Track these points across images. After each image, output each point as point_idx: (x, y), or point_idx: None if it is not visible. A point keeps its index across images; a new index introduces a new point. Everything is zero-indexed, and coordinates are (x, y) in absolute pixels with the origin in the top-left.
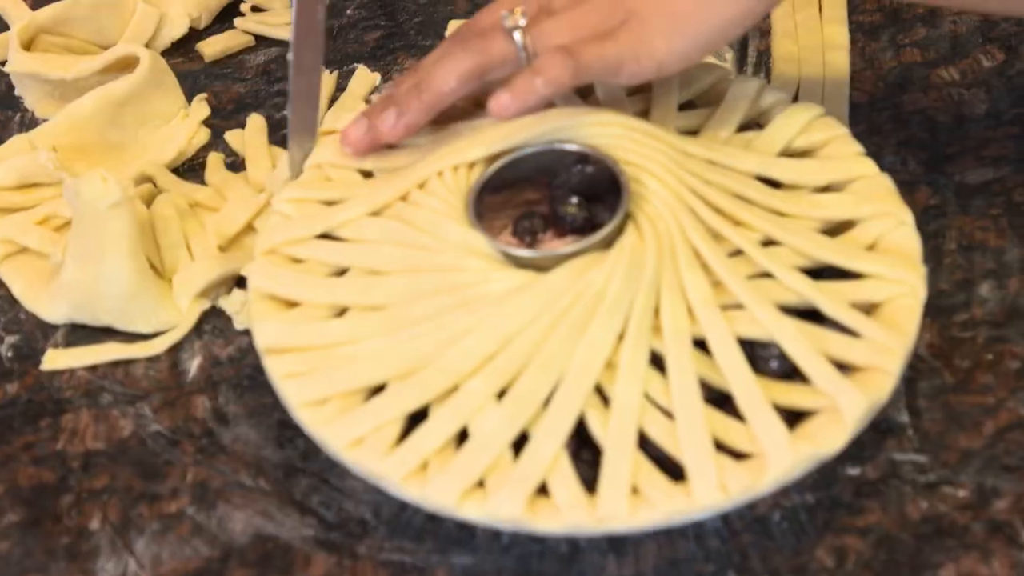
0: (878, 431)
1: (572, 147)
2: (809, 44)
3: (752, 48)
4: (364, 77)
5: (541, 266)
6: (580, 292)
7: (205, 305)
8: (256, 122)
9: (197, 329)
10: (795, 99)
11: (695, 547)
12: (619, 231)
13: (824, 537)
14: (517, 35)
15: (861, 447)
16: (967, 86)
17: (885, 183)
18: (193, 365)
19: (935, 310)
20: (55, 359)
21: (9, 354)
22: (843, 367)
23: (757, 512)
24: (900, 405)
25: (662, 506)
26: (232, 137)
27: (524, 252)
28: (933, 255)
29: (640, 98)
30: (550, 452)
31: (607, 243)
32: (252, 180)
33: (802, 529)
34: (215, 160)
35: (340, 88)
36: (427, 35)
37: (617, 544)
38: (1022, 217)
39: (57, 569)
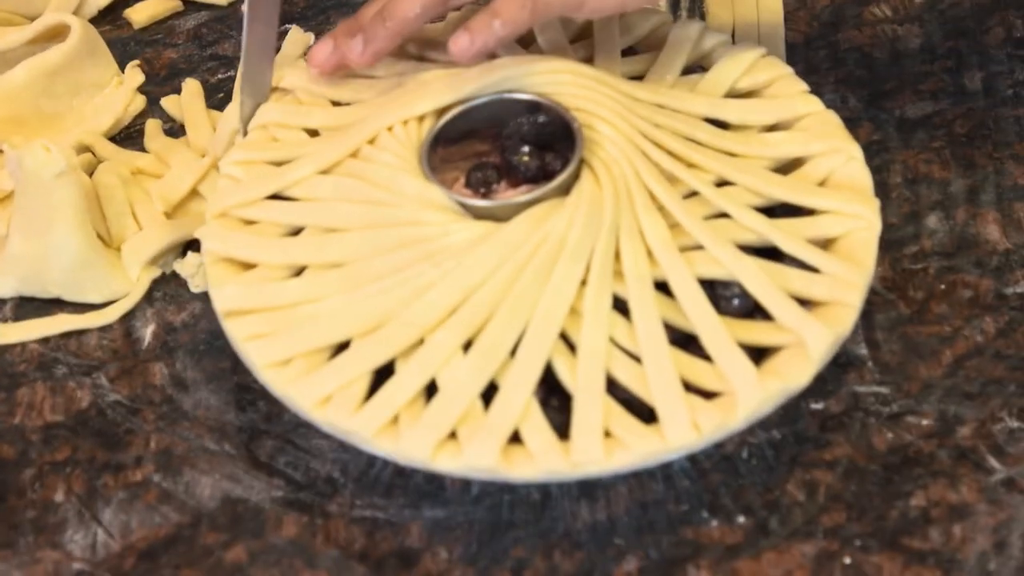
0: (838, 365)
1: (522, 96)
2: None
3: None
4: (298, 37)
5: (499, 216)
6: (541, 240)
7: (155, 273)
8: (192, 87)
9: (148, 297)
10: (732, 41)
11: (665, 488)
12: (574, 178)
13: (793, 472)
14: None
15: (823, 382)
16: (900, 22)
17: (832, 119)
18: (147, 333)
19: (886, 243)
20: (6, 333)
21: None
22: (804, 303)
23: (724, 451)
24: (858, 339)
25: (636, 448)
26: (169, 103)
27: (482, 202)
28: (880, 189)
29: (582, 45)
30: (520, 400)
31: (563, 190)
32: (193, 145)
33: (770, 465)
34: (153, 127)
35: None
36: None
37: (588, 489)
38: (964, 148)
39: (25, 543)
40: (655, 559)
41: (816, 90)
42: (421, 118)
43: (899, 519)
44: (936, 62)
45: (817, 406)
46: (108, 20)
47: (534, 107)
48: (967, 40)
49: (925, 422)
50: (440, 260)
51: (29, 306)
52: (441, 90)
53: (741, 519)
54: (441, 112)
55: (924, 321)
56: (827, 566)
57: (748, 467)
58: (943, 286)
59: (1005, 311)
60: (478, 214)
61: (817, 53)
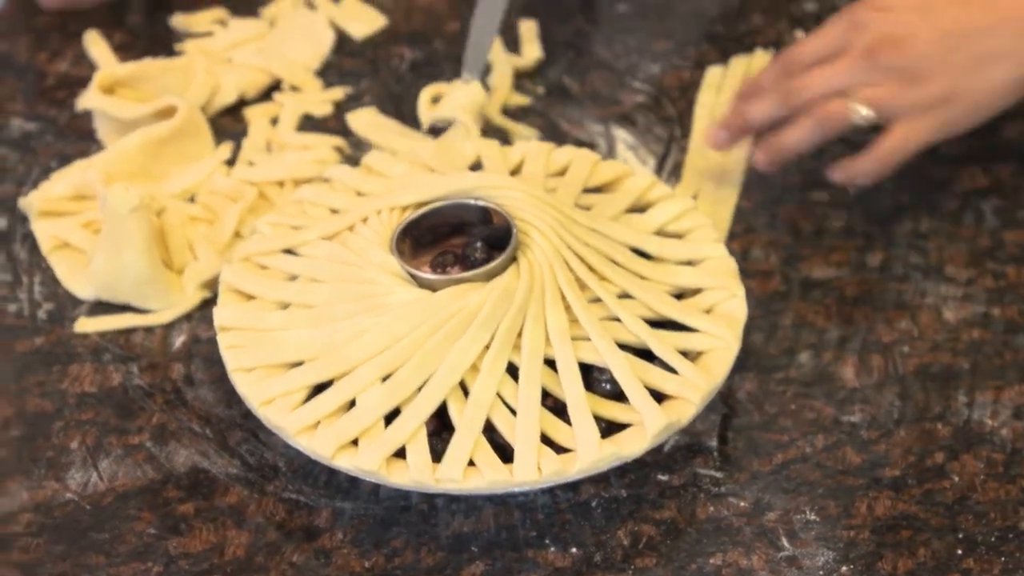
0: (690, 451)
1: (481, 203)
2: (717, 160)
3: (671, 160)
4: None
5: (435, 287)
6: (459, 308)
7: (206, 294)
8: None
9: (188, 316)
10: (695, 198)
11: (526, 517)
12: (503, 270)
13: (626, 523)
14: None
15: (674, 460)
16: (833, 206)
17: (730, 264)
18: (179, 341)
19: (760, 368)
20: (85, 324)
21: (43, 316)
22: (661, 395)
23: (580, 498)
24: (713, 434)
25: (488, 476)
26: None
27: (424, 275)
28: (769, 327)
29: (557, 179)
30: (412, 425)
31: (490, 277)
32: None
33: (611, 515)
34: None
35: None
36: None
37: (466, 509)
38: (848, 307)
39: (38, 473)
40: (497, 567)
41: (748, 246)
42: (404, 208)
43: (696, 571)
44: (850, 240)
45: (663, 477)
46: (229, 114)
47: (488, 212)
48: (880, 227)
49: (742, 504)
50: (379, 313)
51: (99, 307)
52: (420, 190)
53: (573, 550)
54: (420, 206)
55: (769, 430)
56: None
57: (594, 513)
58: (794, 406)
59: (836, 433)
60: (421, 284)
61: (759, 218)
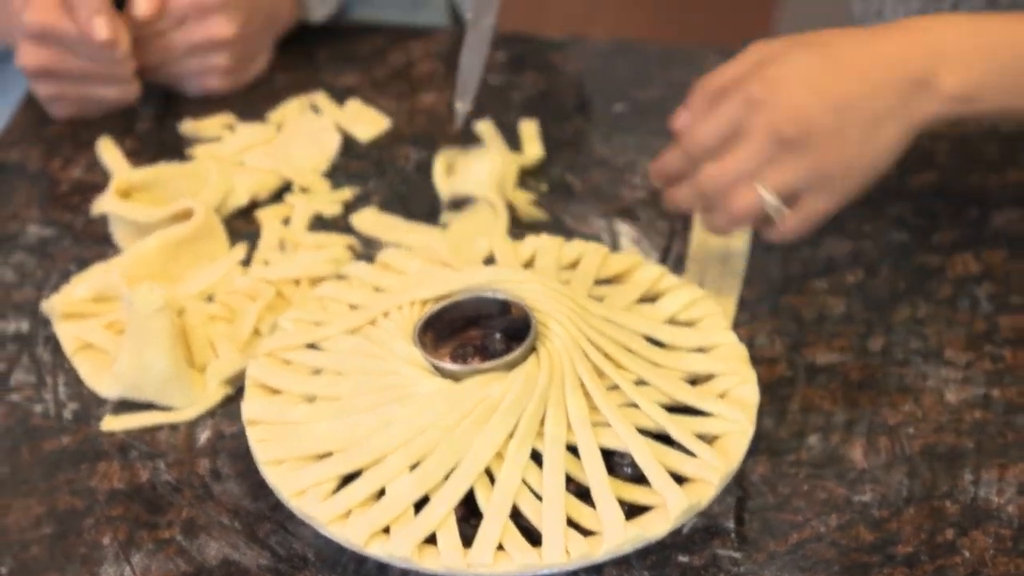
0: (708, 532)
1: (500, 296)
2: (719, 251)
3: (673, 252)
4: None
5: (458, 377)
6: (482, 398)
7: (229, 391)
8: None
9: (212, 412)
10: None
11: None
12: (523, 360)
13: None
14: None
15: (693, 542)
16: (832, 294)
17: (741, 351)
18: (203, 436)
19: (771, 451)
20: (111, 423)
21: (69, 416)
22: (681, 478)
23: None
24: (730, 515)
25: (518, 560)
26: None
27: (447, 365)
28: (779, 412)
29: (569, 272)
30: (442, 512)
31: (511, 366)
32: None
33: None
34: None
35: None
36: None
37: None
38: (853, 392)
39: (72, 570)
40: None
41: (754, 333)
42: (424, 302)
43: None
44: (851, 326)
45: (683, 559)
46: (243, 216)
47: (507, 305)
48: (880, 314)
49: None
50: (406, 403)
51: (123, 405)
52: (438, 284)
53: None
54: (440, 299)
55: (784, 510)
56: None
57: None
58: (807, 487)
59: (848, 512)
60: (445, 375)
61: (763, 306)
